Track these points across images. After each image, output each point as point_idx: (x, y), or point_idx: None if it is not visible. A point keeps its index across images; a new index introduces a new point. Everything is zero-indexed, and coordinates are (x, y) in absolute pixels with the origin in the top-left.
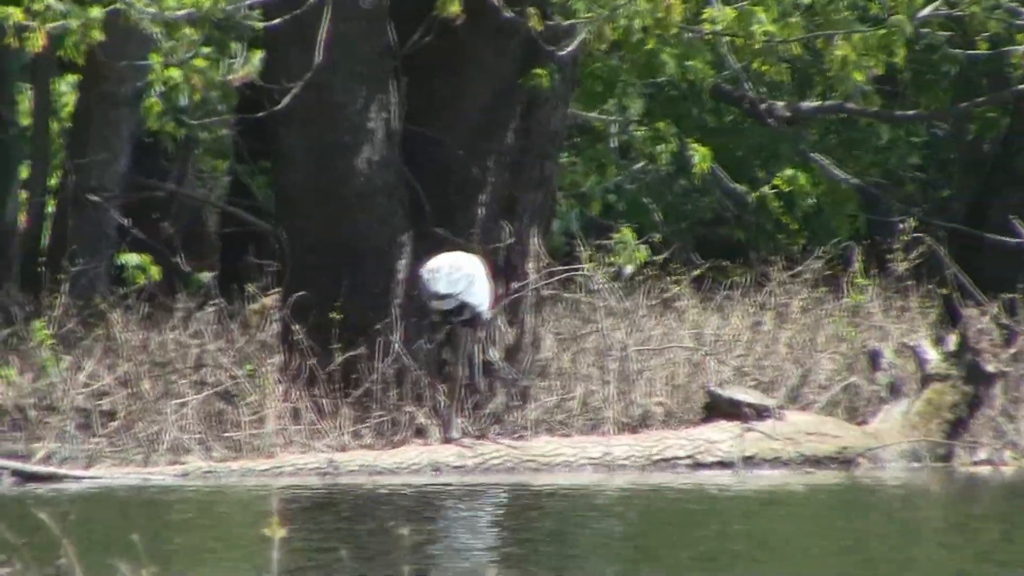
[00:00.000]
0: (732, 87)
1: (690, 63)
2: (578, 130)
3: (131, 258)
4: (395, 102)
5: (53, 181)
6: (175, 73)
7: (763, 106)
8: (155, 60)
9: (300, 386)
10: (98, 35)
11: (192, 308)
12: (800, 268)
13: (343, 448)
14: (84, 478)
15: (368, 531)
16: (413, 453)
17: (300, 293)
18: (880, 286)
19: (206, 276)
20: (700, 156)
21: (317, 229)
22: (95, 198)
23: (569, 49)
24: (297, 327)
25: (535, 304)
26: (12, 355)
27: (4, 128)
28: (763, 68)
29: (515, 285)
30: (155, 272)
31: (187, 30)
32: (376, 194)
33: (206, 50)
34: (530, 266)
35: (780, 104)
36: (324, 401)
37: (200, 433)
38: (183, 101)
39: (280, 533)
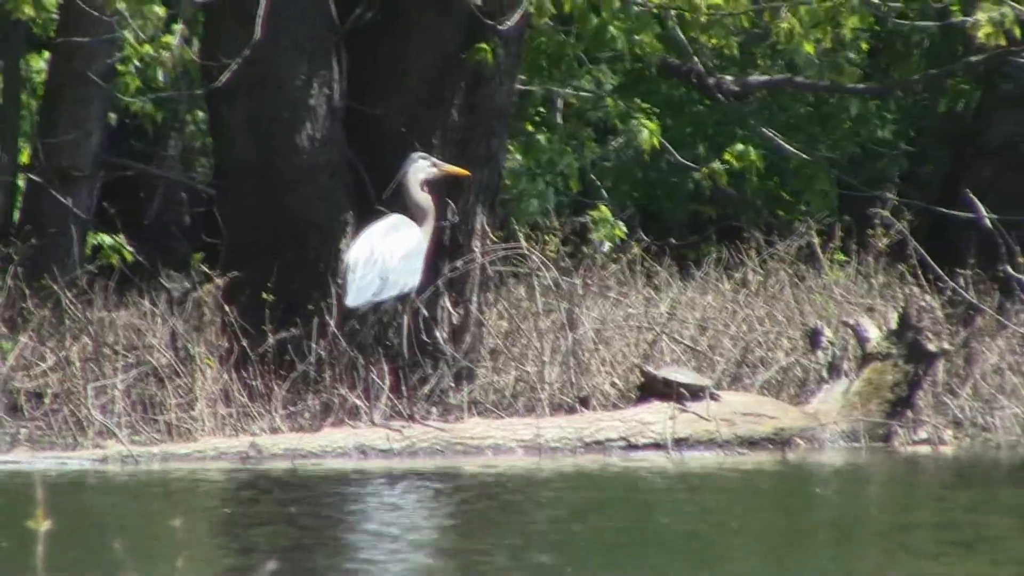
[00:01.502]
0: (681, 62)
1: (638, 37)
2: (549, 105)
3: (103, 239)
4: (337, 78)
5: (25, 159)
6: (150, 50)
7: (711, 80)
8: (126, 37)
9: (231, 368)
10: (28, 10)
11: (166, 290)
12: (775, 246)
13: (275, 431)
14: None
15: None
16: (339, 436)
17: (234, 273)
18: (855, 263)
19: (199, 257)
20: (648, 132)
21: (257, 207)
22: (34, 178)
23: (510, 23)
24: (228, 308)
25: (481, 283)
26: None
27: None
28: (711, 41)
29: (460, 264)
30: (127, 253)
31: (155, 7)
32: (318, 171)
33: (177, 27)
34: (476, 244)
35: (728, 78)
36: (256, 383)
37: (129, 416)
38: (161, 78)
39: (44, 525)
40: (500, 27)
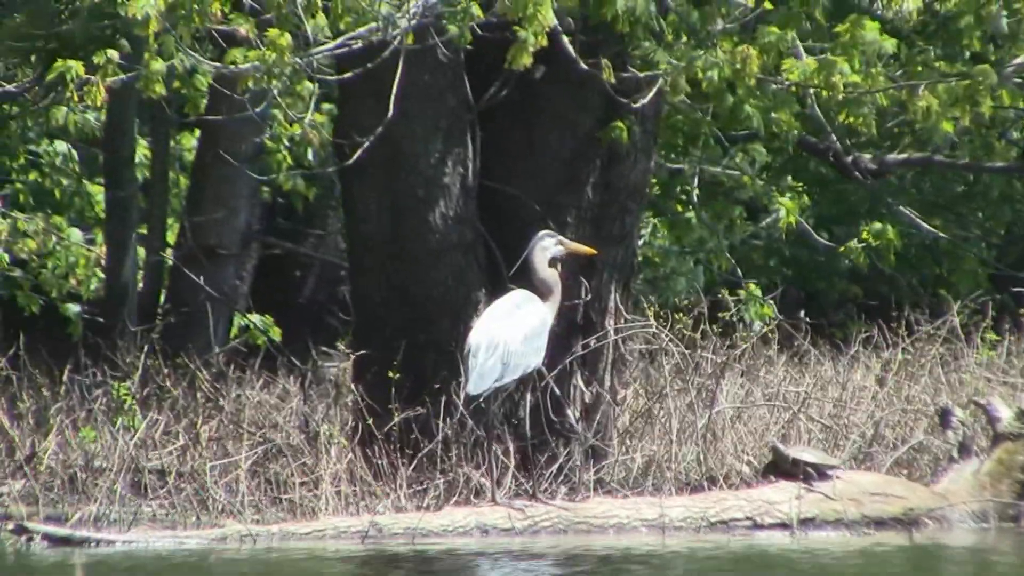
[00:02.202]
0: (818, 140)
1: (775, 115)
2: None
3: (251, 318)
4: (471, 156)
5: (171, 238)
6: (299, 129)
7: (848, 159)
8: (275, 115)
9: (355, 446)
10: (160, 89)
11: (298, 368)
12: (921, 325)
13: (399, 510)
14: (116, 541)
15: None
16: (460, 515)
17: (363, 352)
18: (1006, 342)
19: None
20: (786, 210)
21: (387, 285)
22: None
23: (644, 101)
24: (354, 386)
25: (613, 362)
26: (101, 415)
27: (122, 185)
28: (849, 119)
29: (592, 342)
30: (276, 332)
31: (307, 84)
32: (451, 249)
33: (327, 106)
34: (609, 323)
35: (866, 156)
36: (381, 462)
37: (252, 495)
38: (311, 157)
39: None
40: (635, 105)
